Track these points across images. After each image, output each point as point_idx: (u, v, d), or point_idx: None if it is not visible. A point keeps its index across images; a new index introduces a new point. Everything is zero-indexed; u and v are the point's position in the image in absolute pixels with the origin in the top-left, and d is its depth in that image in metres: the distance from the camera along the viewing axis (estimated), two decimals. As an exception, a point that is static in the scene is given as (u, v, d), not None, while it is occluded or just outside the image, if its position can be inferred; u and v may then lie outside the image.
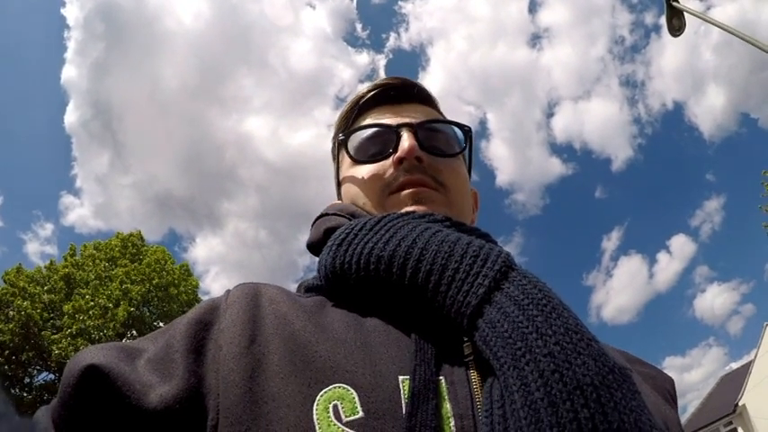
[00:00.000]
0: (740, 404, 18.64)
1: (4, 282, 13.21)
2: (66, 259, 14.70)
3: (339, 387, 0.43)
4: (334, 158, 0.82)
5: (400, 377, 0.45)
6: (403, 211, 0.63)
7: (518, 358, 0.40)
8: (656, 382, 0.61)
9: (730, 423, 19.07)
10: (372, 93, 0.76)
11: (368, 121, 0.75)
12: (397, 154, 0.68)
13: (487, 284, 0.46)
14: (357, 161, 0.72)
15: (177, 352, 0.48)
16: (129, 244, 15.54)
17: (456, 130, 0.76)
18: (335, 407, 0.42)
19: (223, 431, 0.42)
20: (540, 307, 0.43)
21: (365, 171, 0.71)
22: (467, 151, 0.77)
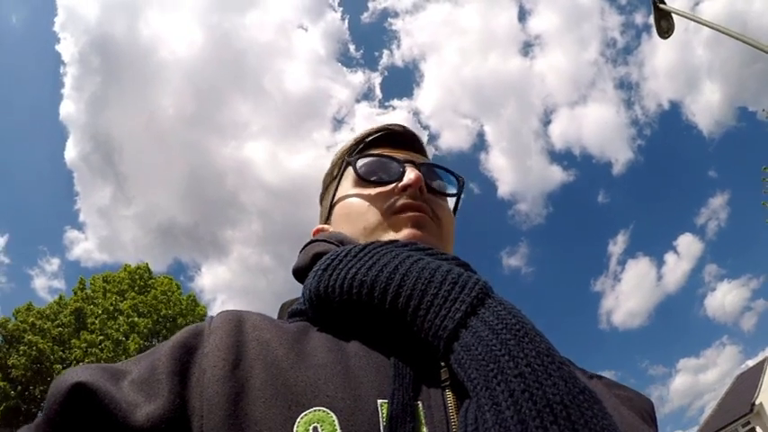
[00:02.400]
0: (757, 403, 18.43)
1: (15, 318, 13.29)
2: (75, 293, 14.77)
3: (319, 410, 0.44)
4: (332, 180, 0.85)
5: (379, 401, 0.46)
6: (400, 233, 0.70)
7: (490, 379, 0.41)
8: (634, 404, 0.62)
9: (748, 423, 18.82)
10: (380, 133, 0.83)
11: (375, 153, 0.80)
12: (403, 182, 0.74)
13: (464, 309, 0.48)
14: (364, 181, 0.77)
15: (162, 373, 0.49)
16: (137, 276, 15.62)
17: (451, 177, 0.84)
18: (315, 429, 0.43)
19: None
20: (514, 332, 0.45)
21: (371, 192, 0.76)
22: (456, 198, 0.85)
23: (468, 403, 0.44)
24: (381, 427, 0.44)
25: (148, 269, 16.10)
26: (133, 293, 14.95)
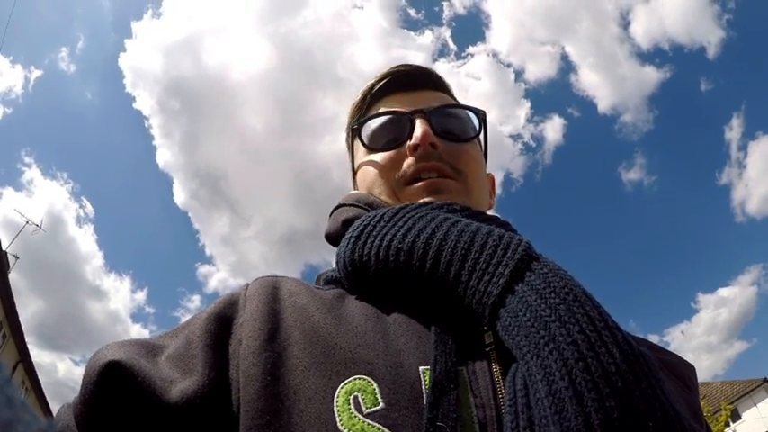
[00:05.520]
0: None
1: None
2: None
3: (359, 379, 0.43)
4: (348, 148, 0.82)
5: (421, 368, 0.45)
6: (420, 201, 0.63)
7: (541, 347, 0.39)
8: (676, 369, 0.60)
9: None
10: (384, 81, 0.76)
11: (381, 109, 0.74)
12: (411, 141, 0.67)
13: (508, 274, 0.46)
14: (371, 149, 0.72)
15: (197, 347, 0.48)
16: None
17: (470, 114, 0.75)
18: (356, 398, 0.42)
19: (244, 425, 0.42)
20: (563, 296, 0.42)
21: (380, 159, 0.71)
22: (482, 135, 0.77)
23: (515, 369, 0.42)
24: (424, 395, 0.42)
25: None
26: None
